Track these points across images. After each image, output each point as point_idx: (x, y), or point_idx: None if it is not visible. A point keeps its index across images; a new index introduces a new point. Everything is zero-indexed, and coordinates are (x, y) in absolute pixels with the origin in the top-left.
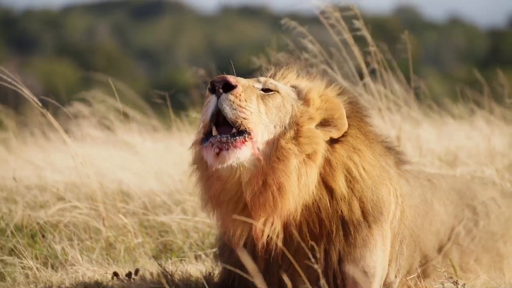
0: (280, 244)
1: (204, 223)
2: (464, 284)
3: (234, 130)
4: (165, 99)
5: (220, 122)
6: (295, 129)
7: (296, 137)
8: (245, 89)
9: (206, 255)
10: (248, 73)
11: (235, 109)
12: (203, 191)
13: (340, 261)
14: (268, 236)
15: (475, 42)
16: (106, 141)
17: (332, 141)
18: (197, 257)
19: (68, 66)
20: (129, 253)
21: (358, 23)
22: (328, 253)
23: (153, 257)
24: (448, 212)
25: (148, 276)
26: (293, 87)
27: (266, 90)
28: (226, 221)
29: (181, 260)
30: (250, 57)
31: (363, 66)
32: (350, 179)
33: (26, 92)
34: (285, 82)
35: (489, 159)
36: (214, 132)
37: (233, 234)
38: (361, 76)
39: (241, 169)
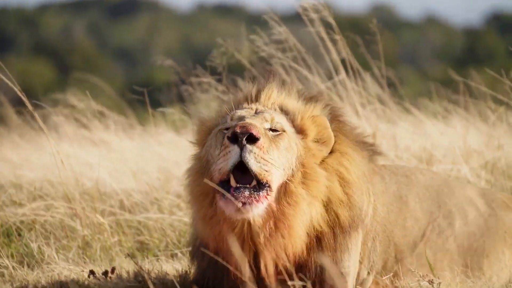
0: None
1: (181, 221)
2: (440, 283)
3: (254, 183)
4: (143, 95)
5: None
6: (302, 171)
7: (304, 180)
8: (265, 139)
9: (183, 253)
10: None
11: (259, 162)
12: (204, 226)
13: (322, 266)
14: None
15: (451, 41)
16: (82, 139)
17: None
18: (173, 256)
19: (44, 65)
20: (106, 252)
21: (324, 12)
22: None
23: (129, 255)
24: (423, 209)
25: (124, 274)
26: (281, 109)
27: (273, 130)
28: (230, 259)
29: (157, 258)
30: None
31: (338, 61)
32: (344, 184)
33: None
34: (271, 103)
35: (464, 157)
36: (233, 183)
37: (237, 270)
38: (338, 73)
39: (256, 216)
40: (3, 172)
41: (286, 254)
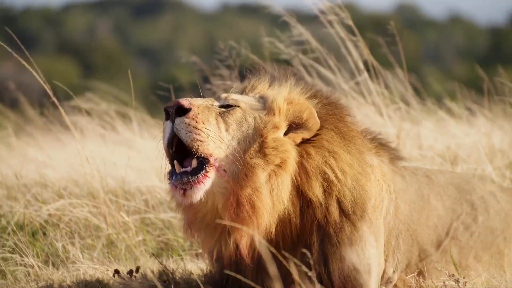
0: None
1: None
2: (466, 282)
3: (194, 164)
4: (168, 92)
5: (180, 149)
6: (259, 141)
7: (262, 149)
8: (202, 110)
9: None
10: (245, 69)
11: (191, 132)
12: (181, 217)
13: (326, 261)
14: (254, 250)
15: (475, 39)
16: (107, 138)
17: (307, 146)
18: (197, 255)
19: (68, 64)
20: (130, 251)
21: (342, 13)
22: (312, 255)
23: (154, 255)
24: (445, 207)
25: (149, 274)
26: (262, 97)
27: (226, 106)
28: (207, 245)
29: (182, 258)
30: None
31: (360, 62)
32: (327, 184)
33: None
34: (255, 94)
35: (489, 157)
36: (177, 169)
37: (217, 255)
38: (360, 73)
39: (212, 196)
40: (27, 171)
41: (256, 230)
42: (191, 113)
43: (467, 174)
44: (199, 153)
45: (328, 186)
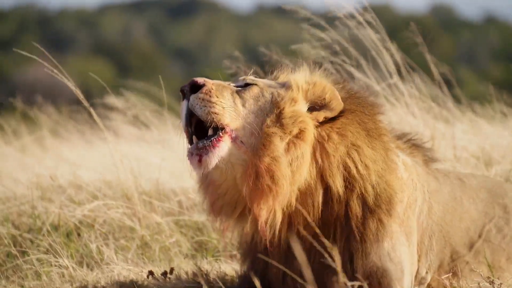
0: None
1: None
2: (501, 284)
3: (210, 132)
4: None
5: (200, 129)
6: (276, 112)
7: (279, 119)
8: (217, 86)
9: None
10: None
11: (205, 106)
12: (204, 201)
13: (351, 259)
14: (278, 232)
15: (511, 40)
16: (141, 139)
17: (330, 129)
18: (232, 257)
19: (103, 65)
20: (164, 252)
21: (368, 17)
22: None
23: (188, 256)
24: (478, 210)
25: (183, 275)
26: (282, 81)
27: (244, 86)
28: (228, 226)
29: (216, 259)
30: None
31: (393, 63)
32: (349, 179)
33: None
34: (281, 79)
35: None
36: (195, 141)
37: (240, 235)
38: (394, 74)
39: (231, 167)
40: (62, 172)
41: (276, 203)
42: (204, 88)
43: (498, 178)
44: (215, 125)
45: (349, 181)
